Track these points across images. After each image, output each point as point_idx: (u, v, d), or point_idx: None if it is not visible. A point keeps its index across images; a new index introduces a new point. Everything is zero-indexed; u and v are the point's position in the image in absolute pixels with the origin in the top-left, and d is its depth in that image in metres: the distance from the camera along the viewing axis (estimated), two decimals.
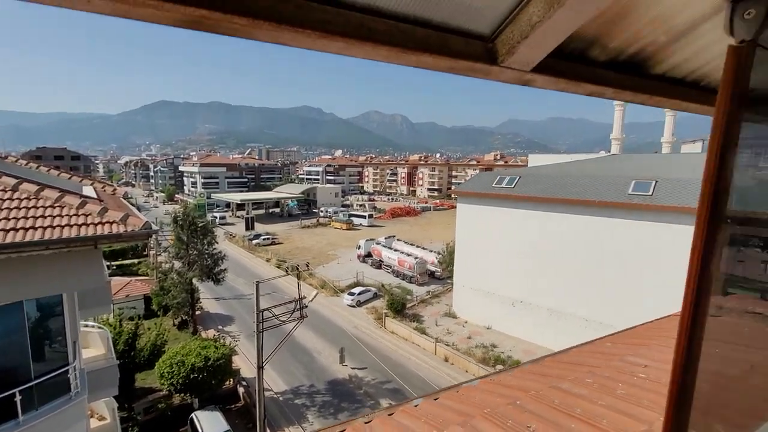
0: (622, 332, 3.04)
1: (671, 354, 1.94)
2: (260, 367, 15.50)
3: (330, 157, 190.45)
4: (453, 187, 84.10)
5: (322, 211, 74.18)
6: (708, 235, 0.56)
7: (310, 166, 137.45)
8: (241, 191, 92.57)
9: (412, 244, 42.08)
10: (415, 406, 1.96)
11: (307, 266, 23.50)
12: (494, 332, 26.25)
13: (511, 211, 25.81)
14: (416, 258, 36.93)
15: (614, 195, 21.47)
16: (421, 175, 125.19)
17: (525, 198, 24.98)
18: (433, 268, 37.04)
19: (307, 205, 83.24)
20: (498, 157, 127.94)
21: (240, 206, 74.41)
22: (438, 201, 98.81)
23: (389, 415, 1.86)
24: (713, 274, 0.60)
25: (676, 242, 18.54)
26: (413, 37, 0.83)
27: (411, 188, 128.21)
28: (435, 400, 1.98)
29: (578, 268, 22.28)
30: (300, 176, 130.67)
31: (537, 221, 24.26)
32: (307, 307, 18.29)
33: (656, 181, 20.86)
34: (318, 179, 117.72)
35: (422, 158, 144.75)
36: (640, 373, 1.96)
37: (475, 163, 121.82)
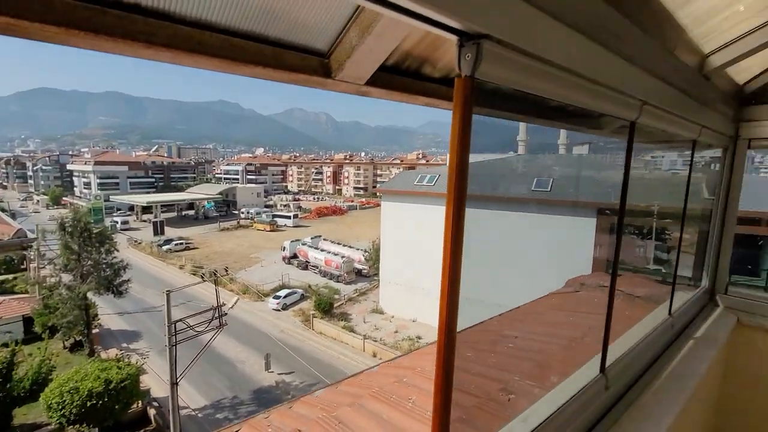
0: (510, 311, 3.45)
1: (537, 326, 2.31)
2: (174, 384, 14.30)
3: (250, 155, 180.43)
4: (378, 186, 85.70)
5: (242, 213, 70.21)
6: (456, 216, 0.74)
7: (228, 164, 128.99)
8: (148, 192, 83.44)
9: (338, 244, 41.99)
10: (316, 396, 2.04)
11: (227, 271, 22.23)
12: (419, 324, 27.46)
13: (432, 208, 27.21)
14: (343, 257, 36.96)
15: (521, 191, 23.95)
16: (346, 174, 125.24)
17: (444, 195, 26.50)
18: (360, 266, 37.41)
19: (226, 207, 78.11)
20: (420, 156, 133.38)
21: (146, 209, 67.06)
22: (364, 199, 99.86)
23: (289, 407, 1.92)
24: (462, 250, 0.78)
25: (568, 230, 21.29)
26: (247, 50, 0.91)
27: (337, 187, 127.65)
28: (336, 388, 2.09)
29: (490, 258, 24.33)
30: (217, 176, 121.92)
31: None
32: (226, 314, 17.28)
33: (553, 179, 23.71)
34: (238, 179, 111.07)
35: (347, 157, 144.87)
36: (510, 343, 2.29)
37: (399, 162, 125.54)
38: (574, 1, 0.93)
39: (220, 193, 78.41)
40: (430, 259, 26.80)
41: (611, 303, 1.49)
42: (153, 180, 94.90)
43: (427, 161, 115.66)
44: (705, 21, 1.50)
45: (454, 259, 0.76)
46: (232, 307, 19.68)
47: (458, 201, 0.74)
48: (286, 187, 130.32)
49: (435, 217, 26.58)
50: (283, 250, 41.95)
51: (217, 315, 16.50)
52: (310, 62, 1.02)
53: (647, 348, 1.76)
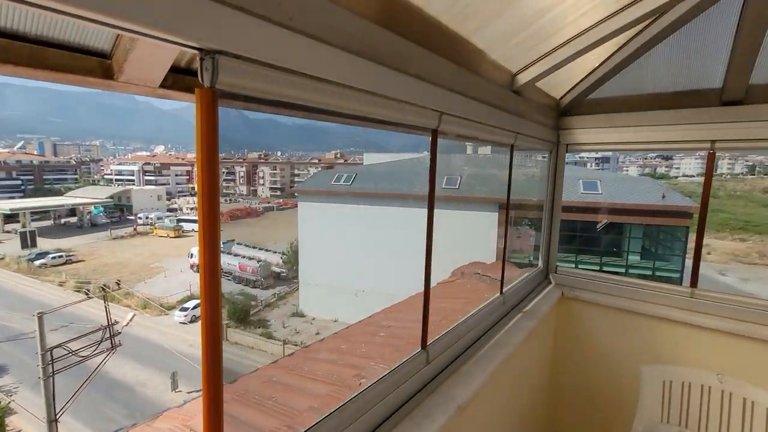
0: (397, 303, 3.66)
1: (412, 314, 2.50)
2: (52, 421, 12.34)
3: (148, 153, 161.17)
4: (295, 186, 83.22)
5: (140, 218, 62.58)
6: (209, 221, 0.81)
7: (120, 164, 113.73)
8: (12, 197, 69.65)
9: (254, 247, 39.99)
10: (183, 408, 1.97)
11: (119, 285, 19.76)
12: (341, 324, 27.47)
13: (350, 207, 27.41)
14: (260, 261, 35.31)
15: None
16: (262, 174, 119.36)
17: (361, 194, 26.90)
18: (278, 270, 36.14)
19: (120, 212, 68.87)
20: (338, 155, 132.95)
21: (11, 218, 55.91)
22: (281, 200, 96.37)
23: (149, 424, 1.82)
24: (219, 256, 0.85)
25: (476, 223, 23.19)
26: None
27: (251, 188, 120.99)
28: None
29: (407, 254, 25.34)
30: (107, 176, 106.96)
31: (372, 214, 26.46)
32: (120, 333, 15.36)
33: (461, 177, 25.60)
34: (133, 180, 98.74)
35: (262, 156, 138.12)
36: (382, 332, 2.47)
37: (317, 161, 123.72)
38: (343, 26, 1.06)
39: (112, 197, 68.79)
40: (349, 257, 26.95)
41: (427, 285, 1.72)
42: (19, 182, 79.53)
43: (345, 161, 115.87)
44: (500, 45, 1.81)
45: (211, 268, 0.82)
46: (127, 325, 17.64)
47: (210, 205, 0.81)
48: (193, 188, 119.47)
49: (353, 216, 26.80)
50: (191, 257, 38.56)
51: (108, 335, 14.60)
52: (85, 62, 0.98)
53: (476, 323, 2.06)
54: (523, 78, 2.09)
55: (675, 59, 2.44)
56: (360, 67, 1.12)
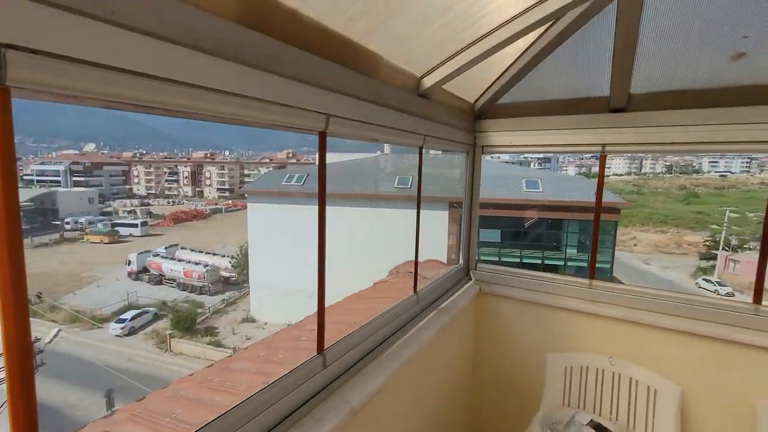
0: (328, 306, 3.61)
1: (339, 315, 2.45)
2: None
3: (77, 152, 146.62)
4: (246, 186, 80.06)
5: (68, 223, 56.96)
6: (8, 227, 0.74)
7: (43, 163, 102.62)
8: None
9: (200, 251, 37.95)
10: (83, 429, 1.82)
11: (40, 297, 17.94)
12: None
13: (302, 207, 26.88)
14: (207, 266, 33.58)
15: (386, 188, 25.69)
16: (208, 174, 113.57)
17: (313, 194, 26.42)
18: (227, 274, 34.61)
19: (43, 216, 62.17)
20: (290, 155, 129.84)
21: None
22: (230, 201, 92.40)
23: None
24: (23, 254, 0.78)
25: (427, 221, 23.68)
26: None
27: (197, 189, 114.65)
28: (111, 416, 1.89)
29: (364, 253, 25.37)
30: (26, 177, 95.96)
31: (327, 214, 26.14)
32: (42, 351, 13.94)
33: (412, 177, 26.09)
34: (59, 180, 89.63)
35: (208, 156, 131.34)
36: (304, 336, 2.43)
37: (268, 161, 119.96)
38: (190, 24, 1.02)
39: (32, 200, 61.98)
40: (303, 258, 26.40)
41: (321, 288, 1.72)
42: None
43: (298, 160, 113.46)
44: (398, 48, 1.84)
45: (13, 284, 0.74)
46: (51, 342, 16.08)
47: (7, 214, 0.74)
48: (131, 189, 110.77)
49: (305, 216, 26.29)
50: (129, 264, 35.71)
51: None
52: None
53: (383, 324, 2.09)
54: (428, 81, 2.16)
55: (571, 67, 2.66)
56: (218, 67, 1.08)
